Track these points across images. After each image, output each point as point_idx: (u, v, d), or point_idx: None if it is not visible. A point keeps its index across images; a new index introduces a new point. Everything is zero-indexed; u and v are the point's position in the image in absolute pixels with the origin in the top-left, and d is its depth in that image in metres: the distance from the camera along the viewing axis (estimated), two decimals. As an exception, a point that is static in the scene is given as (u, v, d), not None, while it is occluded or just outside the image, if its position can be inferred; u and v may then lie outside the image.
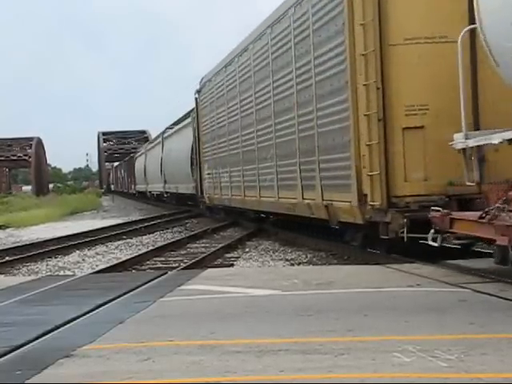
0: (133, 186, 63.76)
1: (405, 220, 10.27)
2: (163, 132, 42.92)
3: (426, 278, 8.81)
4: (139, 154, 59.69)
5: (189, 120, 31.21)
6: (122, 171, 78.22)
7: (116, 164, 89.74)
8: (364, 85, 10.80)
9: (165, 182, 40.33)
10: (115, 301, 8.07)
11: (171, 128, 41.04)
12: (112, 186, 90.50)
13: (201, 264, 13.14)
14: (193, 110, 28.11)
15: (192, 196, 30.81)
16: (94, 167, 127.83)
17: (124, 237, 21.44)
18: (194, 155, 27.52)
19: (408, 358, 4.84)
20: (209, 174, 24.46)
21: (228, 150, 20.82)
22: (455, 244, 10.41)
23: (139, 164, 57.29)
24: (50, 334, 6.24)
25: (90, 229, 24.33)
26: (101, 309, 7.56)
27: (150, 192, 50.85)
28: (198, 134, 25.94)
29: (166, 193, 40.95)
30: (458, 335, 5.47)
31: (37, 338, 6.02)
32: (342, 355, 4.99)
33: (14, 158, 78.00)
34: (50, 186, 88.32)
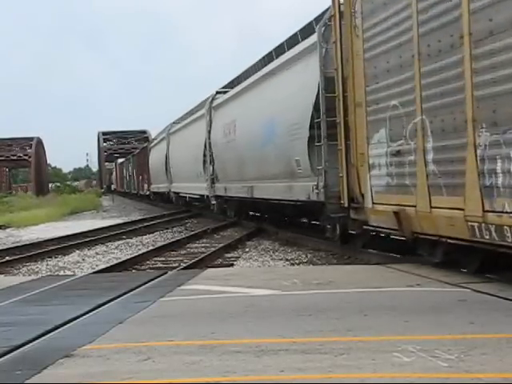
0: (145, 186, 50.01)
1: None
2: (210, 100, 25.31)
3: (425, 277, 8.82)
4: (157, 141, 44.33)
5: (305, 45, 14.82)
6: (130, 168, 64.38)
7: (121, 160, 79.70)
8: None
9: (213, 180, 24.82)
10: (115, 301, 8.07)
11: (223, 92, 24.99)
12: (112, 186, 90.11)
13: (201, 264, 13.15)
14: (321, 18, 13.69)
15: (302, 205, 15.53)
16: (94, 167, 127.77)
17: (124, 237, 21.43)
18: (321, 116, 12.98)
19: (408, 357, 4.84)
20: (396, 152, 10.23)
21: None
22: None
23: (157, 156, 41.82)
24: (50, 334, 6.24)
25: (90, 229, 24.33)
26: (101, 309, 7.56)
27: (175, 193, 36.03)
28: (342, 68, 11.76)
29: (218, 197, 24.78)
30: (458, 335, 5.48)
31: (37, 338, 6.02)
32: (342, 355, 4.99)
33: (14, 157, 77.98)
34: (51, 185, 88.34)
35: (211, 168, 24.64)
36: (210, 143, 24.62)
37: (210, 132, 24.65)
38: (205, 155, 25.64)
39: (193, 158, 28.01)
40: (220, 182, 24.01)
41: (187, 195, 32.61)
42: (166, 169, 37.00)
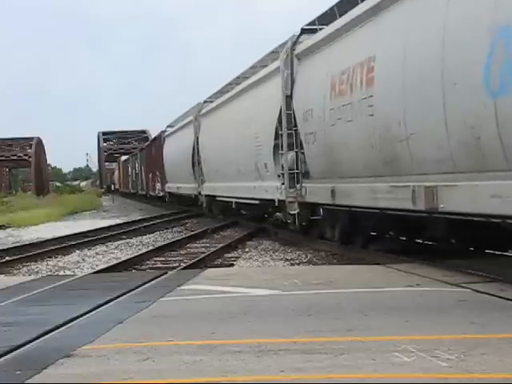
0: (158, 186, 41.10)
1: None
2: (290, 44, 14.98)
3: (425, 277, 8.82)
4: (177, 128, 33.63)
5: None
6: (137, 165, 55.24)
7: (125, 158, 71.71)
8: None
9: (296, 177, 14.73)
10: (115, 301, 8.07)
11: (314, 30, 14.28)
12: (113, 186, 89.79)
13: (201, 264, 13.15)
14: None
15: None
16: (94, 167, 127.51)
17: (124, 237, 21.41)
18: None
19: (408, 358, 4.84)
20: None
21: None
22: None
23: (177, 147, 31.94)
24: (50, 334, 6.24)
25: (90, 229, 24.32)
26: (101, 309, 7.56)
27: (210, 197, 25.64)
28: None
29: (305, 205, 14.61)
30: (458, 335, 5.48)
31: (37, 338, 6.02)
32: (342, 355, 4.99)
33: (14, 157, 77.97)
34: (53, 184, 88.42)
35: (291, 156, 14.74)
36: (289, 116, 14.73)
37: (289, 97, 14.74)
38: (277, 138, 15.80)
39: (249, 144, 18.36)
40: (314, 179, 14.00)
41: (233, 200, 21.49)
42: (194, 163, 27.55)
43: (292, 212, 14.89)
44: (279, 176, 15.75)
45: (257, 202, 18.54)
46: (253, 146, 17.97)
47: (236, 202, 21.40)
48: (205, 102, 27.35)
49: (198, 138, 26.63)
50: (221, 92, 24.84)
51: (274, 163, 16.26)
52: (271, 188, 16.51)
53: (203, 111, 26.53)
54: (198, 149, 26.66)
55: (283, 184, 15.18)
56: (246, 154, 18.92)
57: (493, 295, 7.33)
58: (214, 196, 24.72)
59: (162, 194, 39.96)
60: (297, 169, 14.59)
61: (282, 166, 15.24)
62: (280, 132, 15.35)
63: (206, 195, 26.26)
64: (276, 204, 16.18)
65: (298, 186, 14.53)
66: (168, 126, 38.17)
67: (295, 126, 14.50)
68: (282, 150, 15.17)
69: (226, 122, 22.02)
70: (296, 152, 14.55)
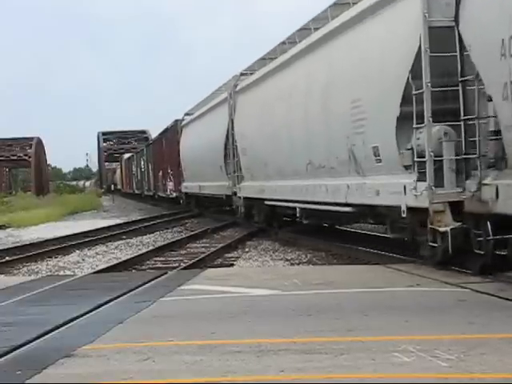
0: (170, 185, 34.89)
1: None
2: None
3: (425, 277, 8.82)
4: (200, 113, 27.14)
5: None
6: (143, 162, 48.66)
7: (128, 155, 66.52)
8: None
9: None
10: (115, 301, 8.07)
11: None
12: (113, 186, 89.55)
13: (201, 264, 13.15)
14: None
15: None
16: (94, 167, 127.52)
17: (124, 237, 21.41)
18: None
19: (408, 358, 4.84)
20: None
21: None
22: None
23: (201, 137, 25.79)
24: (50, 334, 6.24)
25: (90, 229, 24.32)
26: (101, 309, 7.56)
27: (249, 199, 19.31)
28: None
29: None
30: (458, 335, 5.48)
31: (37, 338, 6.03)
32: (342, 355, 4.99)
33: (14, 158, 77.96)
34: (56, 183, 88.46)
35: (439, 132, 9.16)
36: (442, 61, 9.04)
37: (452, 27, 9.02)
38: (403, 103, 9.79)
39: (337, 119, 12.23)
40: None
41: (298, 206, 15.08)
42: (227, 155, 21.39)
43: (442, 229, 8.93)
44: (407, 168, 9.85)
45: (350, 209, 12.10)
46: (346, 121, 11.73)
47: (303, 209, 14.94)
48: (242, 74, 20.54)
49: (232, 122, 20.15)
50: (269, 57, 17.65)
51: (397, 146, 9.99)
52: (389, 187, 10.33)
53: (241, 86, 19.86)
54: (232, 136, 20.22)
55: (420, 181, 9.35)
56: (328, 135, 12.67)
57: (493, 295, 7.33)
58: (260, 199, 18.01)
59: (175, 194, 33.70)
60: (466, 152, 8.87)
61: (417, 151, 9.47)
62: (413, 92, 9.33)
63: (244, 198, 19.72)
64: (403, 214, 9.84)
65: (470, 182, 8.66)
66: (186, 114, 31.33)
67: (462, 75, 8.82)
68: (419, 122, 9.32)
69: (283, 93, 15.37)
70: (464, 122, 8.90)
